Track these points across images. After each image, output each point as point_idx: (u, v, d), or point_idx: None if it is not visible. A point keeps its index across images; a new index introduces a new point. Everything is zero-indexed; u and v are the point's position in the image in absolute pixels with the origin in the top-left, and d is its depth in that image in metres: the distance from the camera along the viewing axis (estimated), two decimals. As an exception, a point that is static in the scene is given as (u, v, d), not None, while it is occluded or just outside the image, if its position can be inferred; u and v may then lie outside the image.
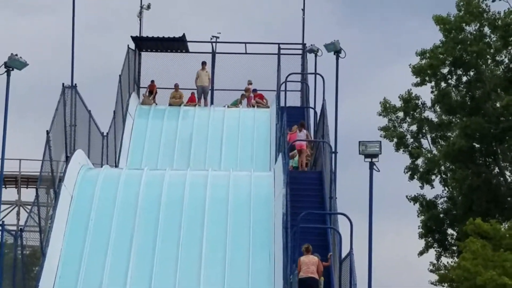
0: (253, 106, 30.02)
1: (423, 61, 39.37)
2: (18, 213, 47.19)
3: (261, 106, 30.07)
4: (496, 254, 30.30)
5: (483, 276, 29.13)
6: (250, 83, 30.65)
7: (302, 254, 19.18)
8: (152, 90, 30.46)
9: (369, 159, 18.88)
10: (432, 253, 39.46)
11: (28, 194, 46.04)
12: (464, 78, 39.54)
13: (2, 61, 20.00)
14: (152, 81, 30.65)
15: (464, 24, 38.88)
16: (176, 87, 30.37)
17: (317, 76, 27.75)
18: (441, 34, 39.28)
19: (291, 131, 25.33)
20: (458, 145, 37.36)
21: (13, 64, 20.04)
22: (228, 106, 30.19)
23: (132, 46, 30.80)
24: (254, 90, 30.56)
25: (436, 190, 40.23)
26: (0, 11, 75.82)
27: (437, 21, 39.08)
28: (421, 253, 39.65)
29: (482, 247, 30.58)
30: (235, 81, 30.92)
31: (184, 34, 30.69)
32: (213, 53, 31.45)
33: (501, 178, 38.88)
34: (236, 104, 30.48)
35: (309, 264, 19.02)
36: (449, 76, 39.74)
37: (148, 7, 32.46)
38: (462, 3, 39.02)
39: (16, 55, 20.05)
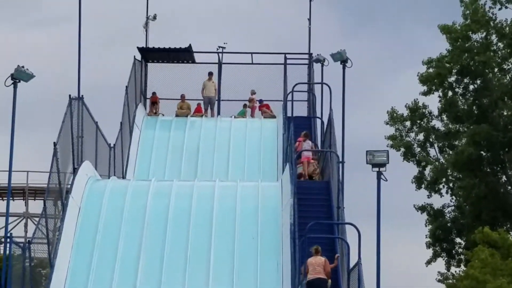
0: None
1: (430, 70, 39.37)
2: (26, 225, 47.24)
3: (267, 116, 30.07)
4: (504, 263, 30.21)
5: (492, 284, 29.03)
6: (253, 92, 30.65)
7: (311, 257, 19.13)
8: (154, 101, 30.40)
9: (377, 169, 18.85)
10: (439, 262, 39.38)
11: (36, 206, 46.11)
12: (471, 87, 39.52)
13: (9, 73, 20.03)
14: (154, 93, 30.56)
15: (470, 33, 38.88)
16: (183, 97, 30.38)
17: (324, 85, 27.75)
18: (447, 43, 39.30)
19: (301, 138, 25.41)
20: (466, 153, 37.29)
21: (20, 76, 20.05)
22: (234, 117, 30.20)
23: (139, 57, 30.83)
24: (260, 101, 30.56)
25: (443, 199, 40.18)
26: (7, 24, 76.10)
27: (443, 30, 39.08)
28: (428, 262, 39.54)
29: (491, 255, 30.50)
30: (242, 92, 30.93)
31: (190, 45, 30.72)
32: (219, 64, 31.46)
33: (509, 187, 38.77)
34: (243, 114, 30.48)
35: (316, 265, 19.08)
36: (456, 84, 39.72)
37: (154, 18, 32.50)
38: (468, 12, 39.01)
39: (23, 67, 20.07)
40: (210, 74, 30.74)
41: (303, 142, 24.72)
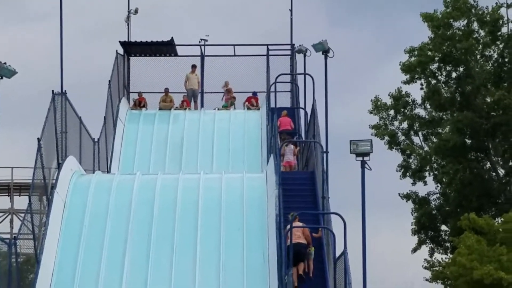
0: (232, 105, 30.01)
1: (412, 59, 39.47)
2: (11, 221, 47.13)
3: (253, 108, 30.07)
4: (491, 249, 30.38)
5: (480, 271, 29.20)
6: (227, 84, 30.62)
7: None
8: (140, 102, 30.22)
9: (361, 158, 18.96)
10: (424, 249, 39.56)
11: (21, 202, 46.00)
12: (454, 74, 39.67)
13: (-9, 70, 19.98)
14: (140, 94, 30.43)
15: (452, 20, 39.00)
16: (167, 91, 30.35)
17: (307, 76, 27.80)
18: (429, 31, 39.40)
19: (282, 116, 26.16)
20: (451, 140, 37.45)
21: (2, 72, 20.06)
22: (218, 109, 30.21)
23: (121, 51, 30.78)
24: (254, 94, 30.43)
25: (428, 187, 40.35)
26: (-12, 20, 75.68)
27: (425, 18, 39.19)
28: (414, 250, 39.72)
29: (477, 242, 30.65)
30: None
31: (172, 38, 30.69)
32: (202, 56, 31.44)
33: (493, 173, 38.98)
34: (226, 106, 30.50)
35: (295, 230, 19.42)
36: (438, 72, 39.86)
37: (136, 11, 32.42)
38: (449, 0, 39.13)
39: (5, 63, 20.04)
40: (193, 66, 30.73)
41: (285, 146, 24.78)
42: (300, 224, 19.86)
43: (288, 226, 19.35)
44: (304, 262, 19.93)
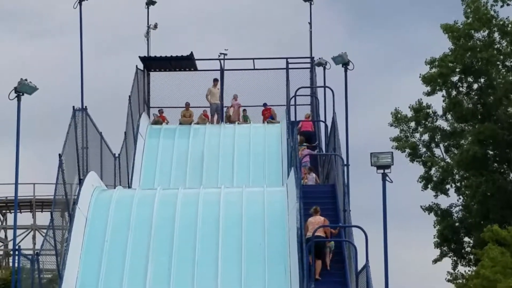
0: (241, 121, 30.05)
1: (433, 70, 39.35)
2: (34, 237, 47.31)
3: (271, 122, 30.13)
4: (515, 261, 30.12)
5: (504, 284, 28.94)
6: (235, 98, 30.67)
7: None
8: (162, 120, 30.21)
9: (382, 171, 18.87)
10: (446, 262, 39.31)
11: (43, 218, 46.22)
12: (475, 85, 39.52)
13: (12, 86, 20.08)
14: (160, 111, 30.48)
15: (472, 31, 38.87)
16: (187, 105, 30.41)
17: (327, 89, 27.75)
18: (450, 42, 39.29)
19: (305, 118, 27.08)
20: (472, 152, 37.25)
21: (23, 89, 20.11)
22: (238, 123, 30.24)
23: (141, 66, 30.89)
24: (264, 105, 30.50)
25: (450, 199, 40.14)
26: (9, 36, 76.28)
27: (445, 29, 39.08)
28: (435, 261, 39.46)
29: (501, 254, 30.42)
30: (245, 97, 30.95)
31: (192, 52, 30.76)
32: (222, 70, 31.49)
33: (516, 184, 38.73)
34: (246, 119, 30.53)
35: (315, 224, 19.87)
36: (459, 84, 39.72)
37: (155, 27, 32.54)
38: (469, 10, 39.01)
39: (26, 80, 20.12)
40: (216, 80, 30.79)
41: (308, 174, 24.65)
42: (321, 217, 20.28)
43: (309, 219, 19.81)
44: (325, 256, 20.13)
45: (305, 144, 26.41)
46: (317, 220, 20.15)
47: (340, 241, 20.80)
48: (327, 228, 20.16)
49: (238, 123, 30.20)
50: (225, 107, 30.89)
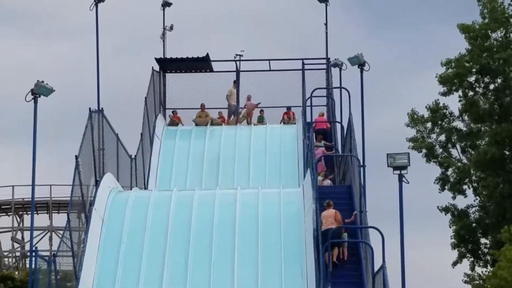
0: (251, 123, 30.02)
1: (449, 71, 39.23)
2: (50, 239, 47.56)
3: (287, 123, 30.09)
4: (532, 262, 29.99)
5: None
6: (249, 98, 30.65)
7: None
8: (177, 121, 30.22)
9: (398, 171, 18.82)
10: (465, 263, 39.16)
11: (60, 219, 46.43)
12: (492, 86, 39.37)
13: (29, 88, 20.15)
14: (175, 112, 30.51)
15: (489, 31, 38.72)
16: (202, 107, 30.44)
17: (343, 90, 27.71)
18: (467, 43, 39.15)
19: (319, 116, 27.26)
20: (489, 152, 37.11)
21: (40, 91, 20.17)
22: (254, 124, 30.24)
23: (157, 68, 30.93)
24: (288, 108, 30.45)
25: (467, 200, 40.00)
26: (25, 38, 76.65)
27: (462, 29, 38.96)
28: (454, 264, 39.33)
29: (518, 255, 30.30)
30: (260, 98, 30.92)
31: (207, 53, 30.78)
32: (237, 72, 31.49)
33: (533, 185, 38.52)
34: (262, 120, 30.53)
35: (328, 217, 20.55)
36: (476, 84, 39.57)
37: (171, 28, 32.58)
38: (486, 11, 38.86)
39: (43, 81, 20.19)
40: (235, 82, 30.80)
41: (323, 180, 24.68)
42: (332, 210, 20.74)
43: (323, 213, 20.27)
44: (339, 248, 20.34)
45: (321, 145, 26.36)
46: (329, 213, 20.72)
47: (356, 242, 20.77)
48: (340, 220, 20.65)
49: (254, 124, 30.19)
50: (241, 108, 30.90)
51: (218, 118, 30.25)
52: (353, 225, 21.42)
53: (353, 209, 22.34)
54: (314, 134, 25.79)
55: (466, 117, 40.24)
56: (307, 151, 25.47)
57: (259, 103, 30.58)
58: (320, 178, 24.19)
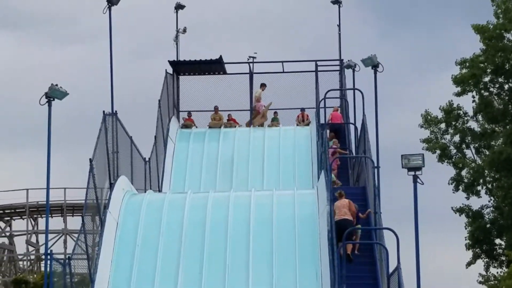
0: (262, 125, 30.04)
1: (464, 71, 39.12)
2: (65, 242, 47.70)
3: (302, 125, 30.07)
4: (547, 262, 29.86)
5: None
6: (258, 99, 30.60)
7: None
8: (191, 123, 30.25)
9: (413, 172, 18.76)
10: (480, 264, 39.03)
11: (74, 222, 46.56)
12: (506, 86, 39.22)
13: (43, 91, 20.20)
14: (189, 115, 30.53)
15: (504, 32, 38.59)
16: (216, 109, 30.46)
17: (356, 91, 27.67)
18: (481, 43, 39.02)
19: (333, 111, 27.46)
20: (503, 153, 36.98)
21: (54, 94, 20.21)
22: (268, 125, 30.23)
23: (170, 70, 30.97)
24: (302, 109, 30.44)
25: (482, 200, 39.87)
26: (39, 42, 76.93)
27: (476, 29, 38.84)
28: (469, 264, 39.21)
29: (533, 255, 30.18)
30: (274, 100, 30.92)
31: (221, 56, 30.80)
32: (251, 74, 31.50)
33: (548, 186, 38.36)
34: (276, 121, 30.53)
35: (341, 207, 20.68)
36: (490, 84, 39.44)
37: (184, 31, 32.62)
38: (500, 11, 38.74)
39: (57, 85, 20.23)
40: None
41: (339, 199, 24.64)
42: (346, 200, 20.77)
43: (335, 203, 20.34)
44: (353, 239, 20.45)
45: (333, 146, 26.33)
46: (342, 203, 20.81)
47: (371, 243, 20.72)
48: (354, 211, 20.75)
49: (268, 126, 30.20)
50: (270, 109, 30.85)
51: (228, 120, 30.25)
52: (368, 227, 21.37)
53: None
54: (328, 131, 25.78)
55: (480, 118, 40.11)
56: (320, 153, 25.44)
57: (270, 103, 30.58)
58: (333, 177, 24.14)
